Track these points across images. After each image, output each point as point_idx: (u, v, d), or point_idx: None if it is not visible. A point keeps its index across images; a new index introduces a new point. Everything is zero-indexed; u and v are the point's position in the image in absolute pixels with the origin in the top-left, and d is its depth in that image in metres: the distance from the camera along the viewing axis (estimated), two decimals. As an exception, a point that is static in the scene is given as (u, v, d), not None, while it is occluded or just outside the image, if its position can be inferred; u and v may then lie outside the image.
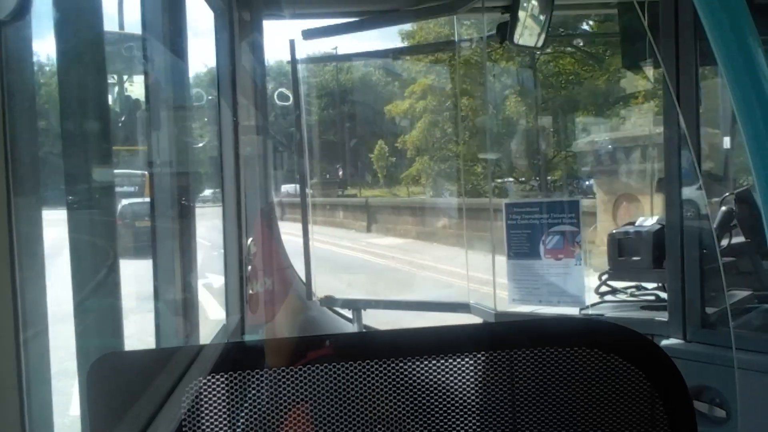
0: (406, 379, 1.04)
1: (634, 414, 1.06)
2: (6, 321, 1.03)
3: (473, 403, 1.06)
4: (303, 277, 3.87)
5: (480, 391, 1.07)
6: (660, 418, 1.04)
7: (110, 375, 1.02)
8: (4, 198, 1.04)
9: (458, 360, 1.06)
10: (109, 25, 1.85)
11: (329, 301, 3.91)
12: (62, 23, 1.48)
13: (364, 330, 3.78)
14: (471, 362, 1.07)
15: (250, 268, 3.41)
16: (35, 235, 1.18)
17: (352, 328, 3.83)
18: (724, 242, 3.05)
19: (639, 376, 1.03)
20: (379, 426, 1.03)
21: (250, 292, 3.42)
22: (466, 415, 1.05)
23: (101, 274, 1.75)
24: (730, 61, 0.81)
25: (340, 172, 26.30)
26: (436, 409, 1.04)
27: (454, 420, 1.05)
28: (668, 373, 1.02)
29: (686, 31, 2.64)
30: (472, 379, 1.07)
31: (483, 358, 1.08)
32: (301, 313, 3.93)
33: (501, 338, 1.11)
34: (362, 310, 3.82)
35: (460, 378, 1.06)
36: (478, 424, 1.06)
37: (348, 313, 3.90)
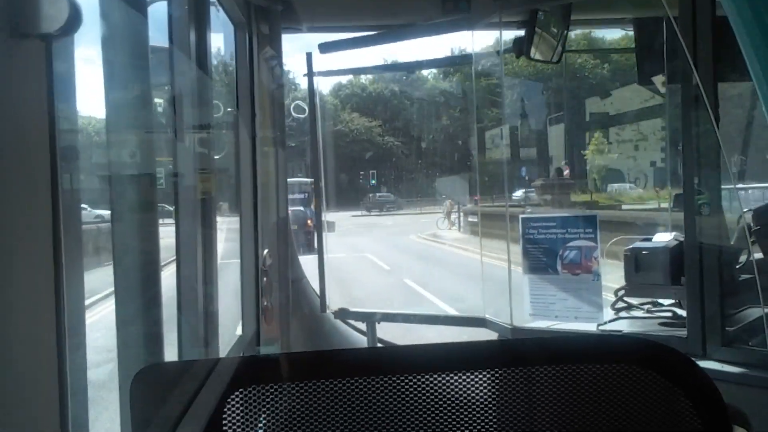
0: (423, 394, 1.03)
1: (672, 429, 1.05)
2: (49, 324, 1.04)
3: (492, 421, 1.05)
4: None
5: (502, 408, 1.06)
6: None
7: (153, 385, 1.03)
8: (48, 204, 1.05)
9: (479, 376, 1.05)
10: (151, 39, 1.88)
11: (343, 314, 3.90)
12: (109, 38, 1.50)
13: (378, 343, 3.77)
14: (490, 378, 1.06)
15: (265, 279, 3.42)
16: (75, 241, 1.19)
17: (364, 340, 3.82)
18: (743, 258, 3.04)
19: (677, 395, 1.03)
20: None
21: (265, 303, 3.42)
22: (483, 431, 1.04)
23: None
24: (763, 71, 0.80)
25: (566, 172, 20.60)
26: (452, 425, 1.04)
27: None
28: (708, 393, 1.01)
29: (704, 46, 2.66)
30: (493, 396, 1.06)
31: (501, 375, 1.07)
32: (315, 325, 3.93)
33: (523, 355, 1.11)
34: (376, 323, 3.81)
35: (480, 395, 1.05)
36: None
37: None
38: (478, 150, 5.67)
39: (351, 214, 28.53)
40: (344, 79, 40.05)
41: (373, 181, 32.69)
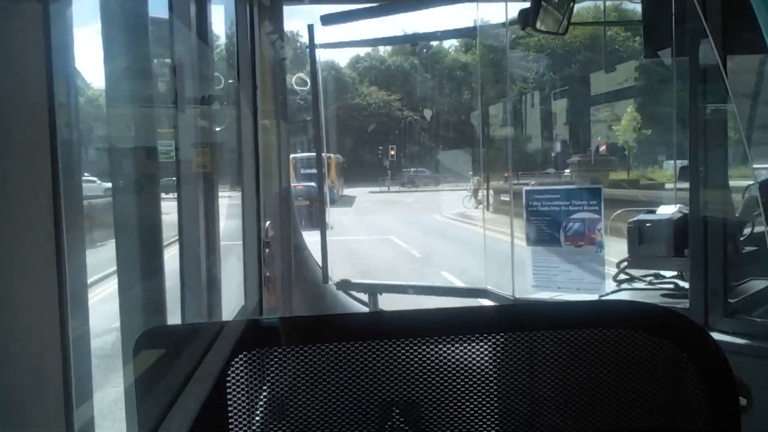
0: (424, 359, 1.04)
1: (678, 396, 1.05)
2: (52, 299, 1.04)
3: (494, 385, 1.06)
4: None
5: (506, 372, 1.07)
6: (703, 401, 1.04)
7: (156, 347, 1.04)
8: (48, 171, 1.05)
9: (481, 341, 1.06)
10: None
11: (345, 285, 3.92)
12: (107, 6, 1.48)
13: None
14: (495, 343, 1.06)
15: (267, 251, 3.43)
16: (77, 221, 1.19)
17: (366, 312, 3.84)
18: (747, 231, 3.03)
19: (684, 359, 1.03)
20: (395, 406, 1.03)
21: (267, 274, 3.44)
22: (484, 397, 1.05)
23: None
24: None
25: (602, 148, 18.93)
26: (452, 390, 1.04)
27: (470, 401, 1.04)
28: (719, 363, 1.01)
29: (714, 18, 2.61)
30: (498, 361, 1.06)
31: (506, 340, 1.07)
32: (317, 296, 3.95)
33: (528, 320, 1.11)
34: (378, 294, 3.83)
35: (483, 359, 1.05)
36: (497, 406, 1.05)
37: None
38: (483, 127, 5.57)
39: (369, 190, 27.58)
40: (362, 52, 39.21)
41: (392, 154, 32.02)
